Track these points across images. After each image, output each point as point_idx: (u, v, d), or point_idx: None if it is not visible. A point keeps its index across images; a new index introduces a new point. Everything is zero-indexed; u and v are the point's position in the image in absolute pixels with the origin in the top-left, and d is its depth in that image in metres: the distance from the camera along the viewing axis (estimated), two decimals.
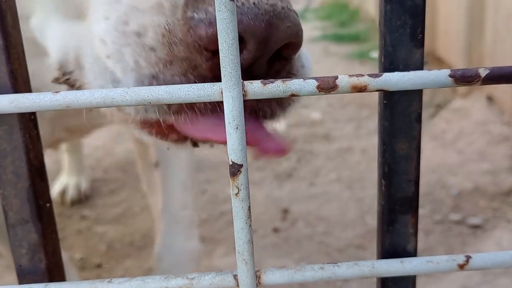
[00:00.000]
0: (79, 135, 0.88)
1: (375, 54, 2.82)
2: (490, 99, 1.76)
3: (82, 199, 1.72)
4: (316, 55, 3.09)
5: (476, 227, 1.40)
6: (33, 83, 0.35)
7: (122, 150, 2.06)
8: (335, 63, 2.81)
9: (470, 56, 1.87)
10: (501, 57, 1.66)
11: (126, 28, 0.42)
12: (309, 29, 3.97)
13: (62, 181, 1.74)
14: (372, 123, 2.06)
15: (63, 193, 1.71)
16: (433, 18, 2.14)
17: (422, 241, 1.40)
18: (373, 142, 1.90)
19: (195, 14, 0.40)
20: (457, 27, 1.97)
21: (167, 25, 0.41)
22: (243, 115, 0.29)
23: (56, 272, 0.36)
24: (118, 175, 1.91)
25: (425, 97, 2.19)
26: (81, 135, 0.88)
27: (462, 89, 1.94)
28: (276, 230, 1.51)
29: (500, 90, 1.70)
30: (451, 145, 1.70)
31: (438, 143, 1.73)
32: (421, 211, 1.50)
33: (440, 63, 2.23)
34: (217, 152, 2.04)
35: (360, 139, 1.92)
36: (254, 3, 0.39)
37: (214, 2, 0.31)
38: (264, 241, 1.46)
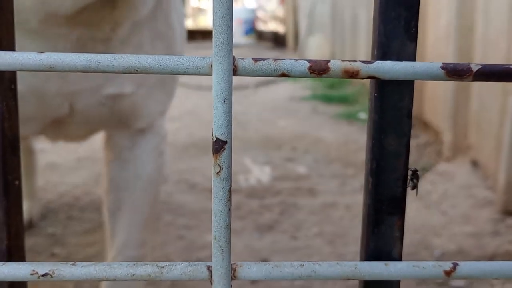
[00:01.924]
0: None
1: (363, 115, 2.85)
2: (474, 163, 1.78)
3: (32, 225, 1.68)
4: (305, 113, 3.14)
5: None
6: None
7: None
8: (323, 121, 2.85)
9: (456, 121, 1.91)
10: (487, 123, 1.69)
11: None
12: (300, 89, 4.08)
13: None
14: (357, 182, 2.06)
15: None
16: (421, 83, 2.20)
17: None
18: (357, 199, 1.89)
19: None
20: (444, 92, 2.02)
21: None
22: (232, 90, 0.28)
23: (16, 258, 0.34)
24: (94, 216, 1.86)
25: (410, 160, 2.20)
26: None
27: (447, 153, 1.96)
28: (253, 281, 1.46)
29: (485, 155, 1.72)
30: (435, 206, 1.69)
31: (422, 203, 1.72)
32: None
33: (426, 127, 2.26)
34: (199, 198, 2.01)
35: (344, 195, 1.91)
36: None
37: None
38: None
